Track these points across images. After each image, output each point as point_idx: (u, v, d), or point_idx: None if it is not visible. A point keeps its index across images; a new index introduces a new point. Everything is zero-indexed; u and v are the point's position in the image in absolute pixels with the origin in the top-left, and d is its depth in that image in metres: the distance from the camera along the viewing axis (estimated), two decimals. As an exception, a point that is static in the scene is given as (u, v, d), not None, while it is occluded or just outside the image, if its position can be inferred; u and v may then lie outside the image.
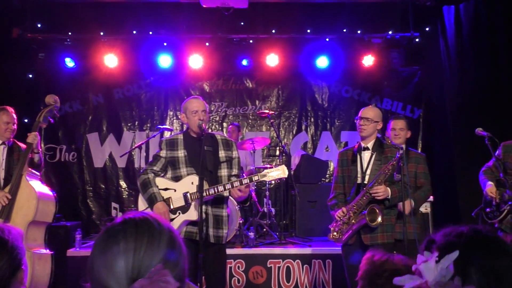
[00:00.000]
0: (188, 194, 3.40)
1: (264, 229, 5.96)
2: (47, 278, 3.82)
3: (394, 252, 2.67)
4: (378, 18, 6.93)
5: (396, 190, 3.50)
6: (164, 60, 7.10)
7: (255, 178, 3.34)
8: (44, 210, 3.88)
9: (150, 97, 7.53)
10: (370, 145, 3.69)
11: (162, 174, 3.55)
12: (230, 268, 5.02)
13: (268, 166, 6.72)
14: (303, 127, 7.63)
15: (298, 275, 5.09)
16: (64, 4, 6.74)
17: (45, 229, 3.95)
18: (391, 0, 6.85)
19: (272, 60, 7.10)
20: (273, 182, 6.29)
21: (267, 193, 6.15)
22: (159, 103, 7.54)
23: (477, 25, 6.00)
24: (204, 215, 3.30)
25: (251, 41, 7.11)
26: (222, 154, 3.56)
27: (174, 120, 7.53)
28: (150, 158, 3.68)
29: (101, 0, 6.82)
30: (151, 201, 3.41)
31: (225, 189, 3.33)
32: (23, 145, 4.06)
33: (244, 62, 7.32)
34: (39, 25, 6.87)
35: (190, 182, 3.41)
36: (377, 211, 3.42)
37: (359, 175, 3.64)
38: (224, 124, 7.57)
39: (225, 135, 4.57)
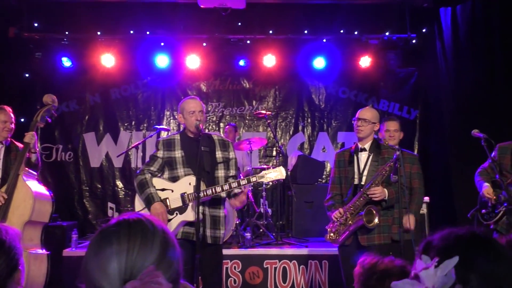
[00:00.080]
0: (186, 195, 3.40)
1: (261, 230, 5.96)
2: (43, 278, 3.80)
3: (390, 253, 2.67)
4: (375, 19, 6.95)
5: (393, 191, 3.51)
6: (161, 60, 7.09)
7: (253, 179, 3.35)
8: (41, 210, 3.86)
9: (147, 97, 7.51)
10: (367, 146, 3.70)
11: (159, 175, 3.54)
12: (227, 268, 5.02)
13: (265, 166, 6.73)
14: (300, 127, 7.63)
15: (295, 276, 5.09)
16: (61, 3, 6.71)
17: (41, 229, 3.93)
18: (388, 1, 6.87)
19: (269, 60, 7.10)
20: (270, 183, 6.29)
21: (264, 193, 6.14)
22: (156, 103, 7.53)
23: (474, 27, 6.03)
24: (201, 216, 3.30)
25: (248, 42, 7.11)
26: (219, 154, 3.55)
27: (171, 120, 7.52)
28: (147, 158, 3.67)
29: (98, -1, 6.82)
30: (149, 201, 3.40)
31: (222, 190, 3.34)
32: (20, 145, 4.03)
33: (241, 63, 7.32)
34: (35, 25, 6.85)
35: (187, 183, 3.41)
36: (374, 212, 3.42)
37: (356, 176, 3.65)
38: (221, 125, 7.57)
39: (222, 135, 4.56)
